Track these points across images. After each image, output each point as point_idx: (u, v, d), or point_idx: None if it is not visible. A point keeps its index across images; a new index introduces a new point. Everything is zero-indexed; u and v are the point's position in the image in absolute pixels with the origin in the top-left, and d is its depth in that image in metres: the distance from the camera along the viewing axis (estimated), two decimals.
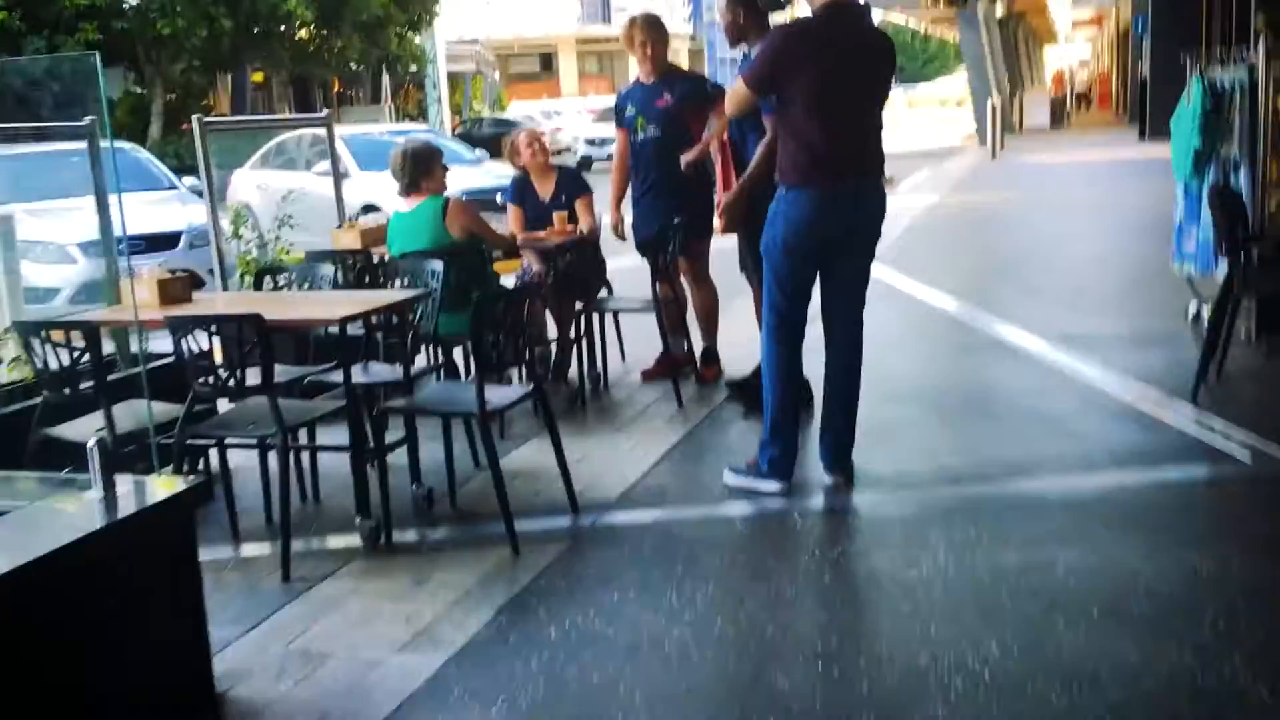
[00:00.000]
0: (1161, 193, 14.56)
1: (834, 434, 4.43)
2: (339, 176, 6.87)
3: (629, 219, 6.25)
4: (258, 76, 31.79)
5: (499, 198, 11.83)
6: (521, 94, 54.03)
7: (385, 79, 33.71)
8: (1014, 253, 10.21)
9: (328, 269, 4.92)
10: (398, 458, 4.47)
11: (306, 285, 4.97)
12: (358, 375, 4.52)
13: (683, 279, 6.21)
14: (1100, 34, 50.43)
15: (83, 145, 5.08)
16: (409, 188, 5.33)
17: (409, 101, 38.08)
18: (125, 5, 22.55)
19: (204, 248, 8.80)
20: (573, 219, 6.24)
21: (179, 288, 4.37)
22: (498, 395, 4.16)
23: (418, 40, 31.36)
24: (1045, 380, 5.81)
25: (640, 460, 4.91)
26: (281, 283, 5.23)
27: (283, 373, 4.62)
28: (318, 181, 11.24)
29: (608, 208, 6.36)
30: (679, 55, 74.49)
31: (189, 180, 10.85)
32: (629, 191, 6.27)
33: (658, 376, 6.27)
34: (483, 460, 4.71)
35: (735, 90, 4.47)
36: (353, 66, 29.84)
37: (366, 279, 5.42)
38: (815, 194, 4.23)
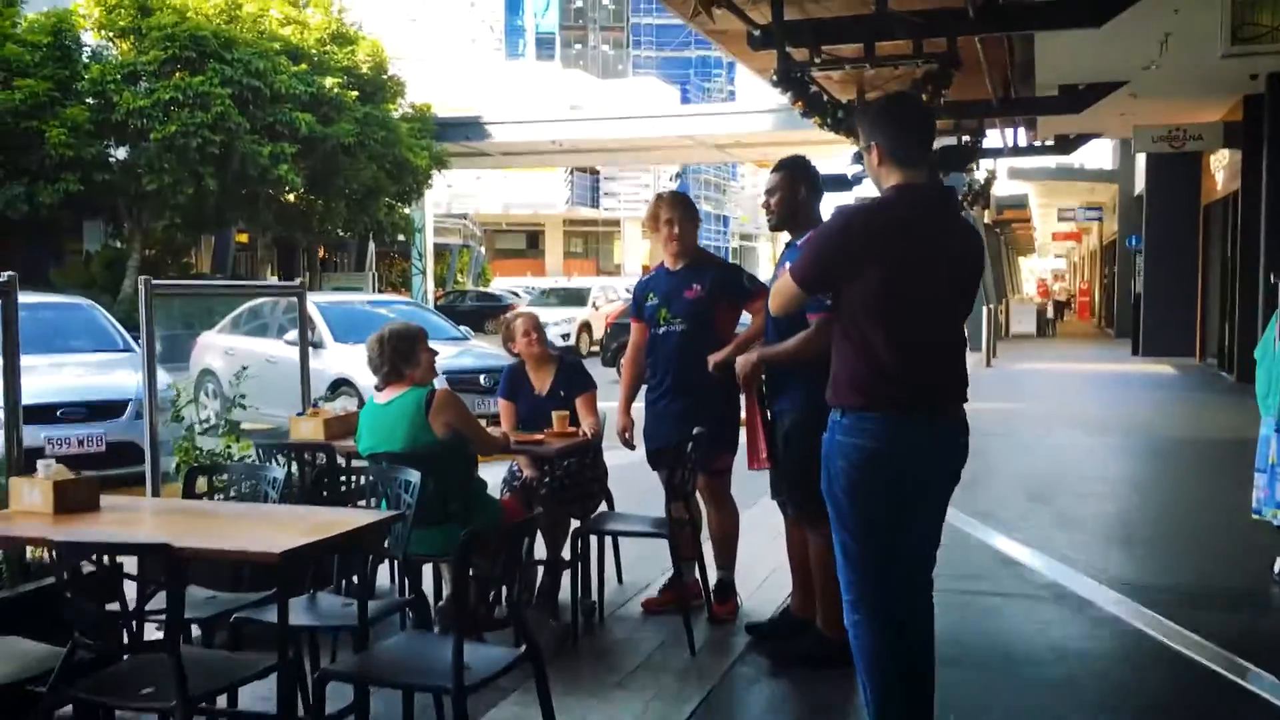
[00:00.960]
0: (1172, 414, 14.04)
1: None
2: (307, 353, 6.00)
3: (639, 424, 5.38)
4: (242, 237, 31.44)
5: (483, 379, 11.07)
6: (506, 270, 54.25)
7: (371, 246, 33.49)
8: (1039, 474, 9.36)
9: (277, 473, 3.98)
10: None
11: (250, 489, 4.02)
12: (298, 614, 3.54)
13: (698, 496, 5.29)
14: (1079, 246, 51.33)
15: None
16: (389, 377, 4.45)
17: (393, 270, 37.83)
18: (110, 158, 22.15)
19: None
20: (573, 419, 5.37)
21: (82, 494, 3.41)
22: (480, 659, 3.17)
23: (406, 211, 31.20)
24: (1134, 650, 4.86)
25: None
26: (222, 482, 4.28)
27: (202, 603, 3.64)
28: (291, 350, 10.36)
29: (614, 408, 5.49)
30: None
31: None
32: (641, 392, 5.44)
33: (663, 608, 5.30)
34: None
35: (782, 286, 3.60)
36: (338, 233, 29.47)
37: (325, 482, 4.48)
38: (880, 421, 3.31)
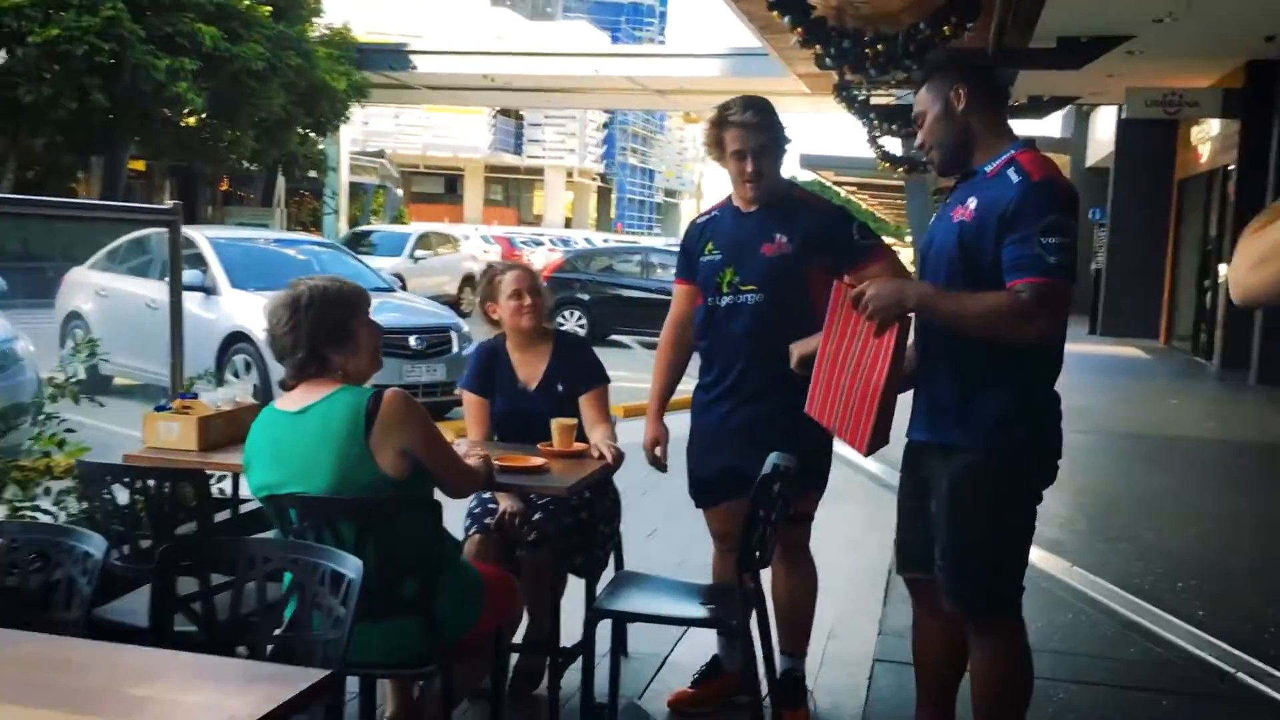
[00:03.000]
0: (1182, 409, 12.54)
1: None
2: (180, 307, 4.15)
3: (678, 437, 3.64)
4: (138, 164, 28.74)
5: (413, 341, 9.17)
6: (423, 214, 51.78)
7: (280, 182, 30.98)
8: (1081, 487, 7.74)
9: (93, 546, 2.14)
10: None
11: (39, 581, 2.18)
12: None
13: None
14: None
15: None
16: (303, 368, 2.65)
17: (303, 209, 35.32)
18: None
19: None
20: (579, 432, 3.60)
21: None
22: None
23: (320, 145, 28.78)
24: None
25: None
26: None
27: None
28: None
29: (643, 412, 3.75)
30: (586, 195, 73.39)
31: None
32: (684, 389, 3.69)
33: (699, 708, 3.61)
34: None
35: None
36: (244, 164, 26.96)
37: (190, 545, 2.66)
38: None
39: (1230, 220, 15.98)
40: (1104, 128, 24.71)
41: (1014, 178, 2.69)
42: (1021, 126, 24.66)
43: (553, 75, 29.23)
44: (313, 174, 31.56)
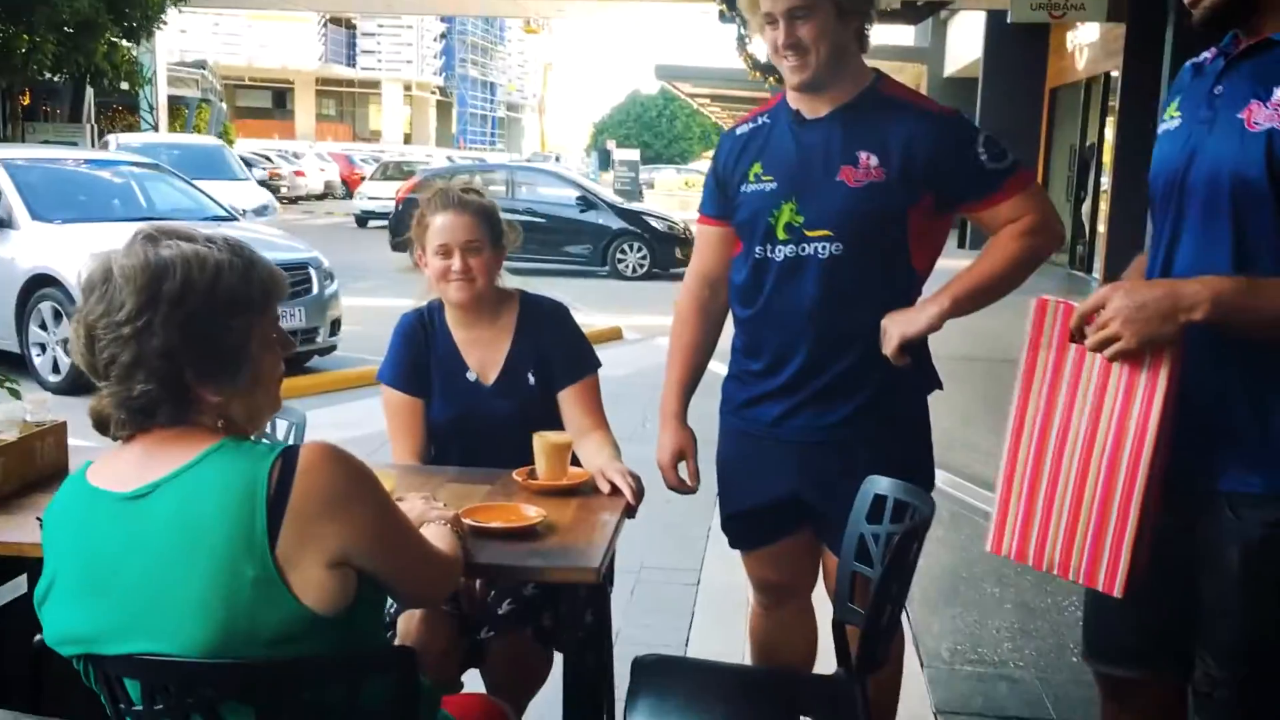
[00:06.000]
0: None
1: None
2: None
3: (706, 444, 2.51)
4: None
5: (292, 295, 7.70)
6: (251, 130, 48.74)
7: (89, 94, 28.06)
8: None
9: None
10: None
11: None
12: None
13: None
14: None
15: None
16: (149, 408, 1.41)
17: (117, 124, 32.28)
18: None
19: None
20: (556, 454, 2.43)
21: None
22: None
23: (133, 53, 26.01)
24: None
25: None
26: None
27: None
28: None
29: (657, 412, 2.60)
30: (425, 110, 70.31)
31: None
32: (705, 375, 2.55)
33: None
34: None
35: None
36: (47, 75, 24.12)
37: None
38: None
39: (1114, 129, 15.55)
40: (960, 36, 24.31)
41: None
42: (884, 33, 23.89)
43: None
44: (125, 86, 28.68)
